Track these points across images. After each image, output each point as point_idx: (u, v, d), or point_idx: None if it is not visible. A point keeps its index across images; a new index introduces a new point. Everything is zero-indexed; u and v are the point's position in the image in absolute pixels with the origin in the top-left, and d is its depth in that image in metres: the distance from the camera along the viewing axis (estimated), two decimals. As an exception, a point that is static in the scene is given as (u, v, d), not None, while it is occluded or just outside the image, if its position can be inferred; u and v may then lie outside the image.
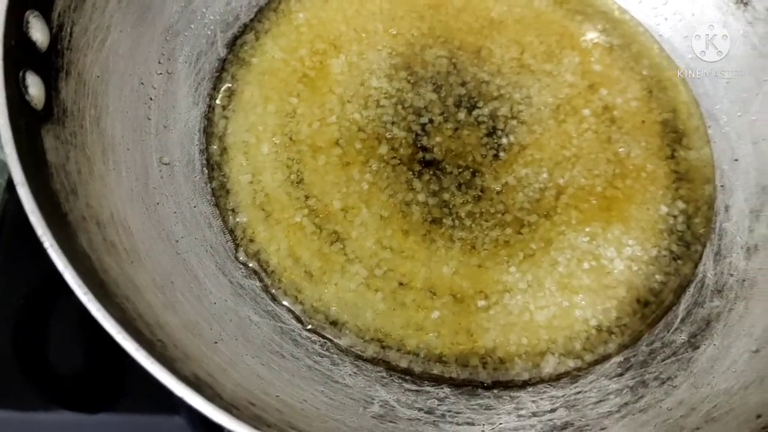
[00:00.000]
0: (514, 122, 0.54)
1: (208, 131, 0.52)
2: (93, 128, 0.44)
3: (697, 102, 0.57)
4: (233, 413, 0.33)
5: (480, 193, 0.51)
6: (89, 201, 0.41)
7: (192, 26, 0.53)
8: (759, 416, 0.38)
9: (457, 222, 0.50)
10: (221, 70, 0.54)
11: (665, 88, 0.57)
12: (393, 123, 0.53)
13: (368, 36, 0.56)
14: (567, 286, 0.49)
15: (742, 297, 0.48)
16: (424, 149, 0.53)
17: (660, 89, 0.57)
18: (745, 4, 0.55)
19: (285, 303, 0.48)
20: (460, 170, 0.52)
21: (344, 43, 0.56)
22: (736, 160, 0.54)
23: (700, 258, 0.51)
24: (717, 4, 0.56)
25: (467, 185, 0.52)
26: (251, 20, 0.56)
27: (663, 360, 0.47)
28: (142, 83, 0.49)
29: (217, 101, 0.53)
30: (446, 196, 0.51)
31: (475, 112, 0.54)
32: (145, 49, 0.50)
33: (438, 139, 0.53)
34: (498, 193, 0.52)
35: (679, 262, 0.51)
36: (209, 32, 0.54)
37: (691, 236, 0.52)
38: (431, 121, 0.53)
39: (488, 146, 0.53)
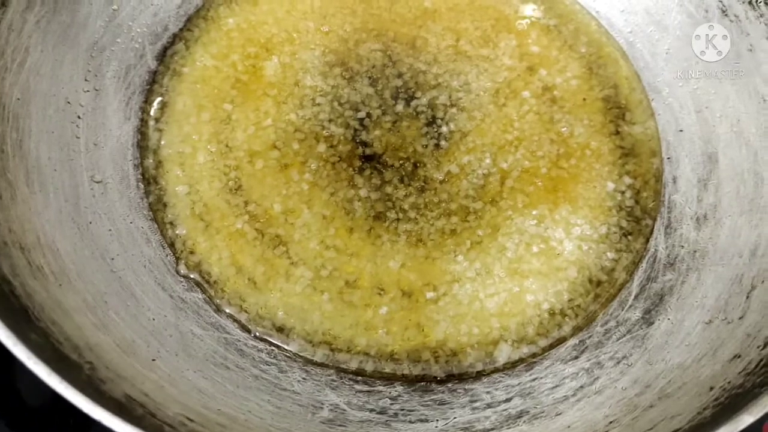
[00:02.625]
0: (454, 110, 0.53)
1: (141, 145, 0.51)
2: (15, 152, 0.43)
3: (639, 75, 0.56)
4: (167, 430, 0.32)
5: (423, 184, 0.51)
6: (11, 226, 0.40)
7: (119, 40, 0.52)
8: (711, 388, 0.38)
9: (401, 215, 0.50)
10: (152, 82, 0.53)
11: (605, 65, 0.56)
12: (330, 120, 0.52)
13: (300, 36, 0.55)
14: (517, 272, 0.48)
15: (694, 268, 0.47)
16: (364, 144, 0.52)
17: (600, 66, 0.56)
18: (678, -30, 0.55)
19: (229, 312, 0.47)
20: (401, 162, 0.51)
21: (276, 44, 0.55)
22: (681, 130, 0.53)
23: (651, 232, 0.50)
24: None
25: (410, 177, 0.51)
26: (180, 30, 0.55)
27: (618, 339, 0.46)
28: (69, 102, 0.48)
29: (150, 114, 0.52)
30: (389, 189, 0.50)
31: (413, 103, 0.53)
32: (70, 68, 0.49)
33: (377, 132, 0.52)
34: (441, 182, 0.51)
35: (630, 237, 0.50)
36: (137, 45, 0.53)
37: (640, 211, 0.51)
38: (369, 115, 0.53)
39: (429, 136, 0.52)
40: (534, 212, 0.50)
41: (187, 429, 0.35)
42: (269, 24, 0.56)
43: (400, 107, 0.53)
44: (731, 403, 0.34)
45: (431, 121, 0.53)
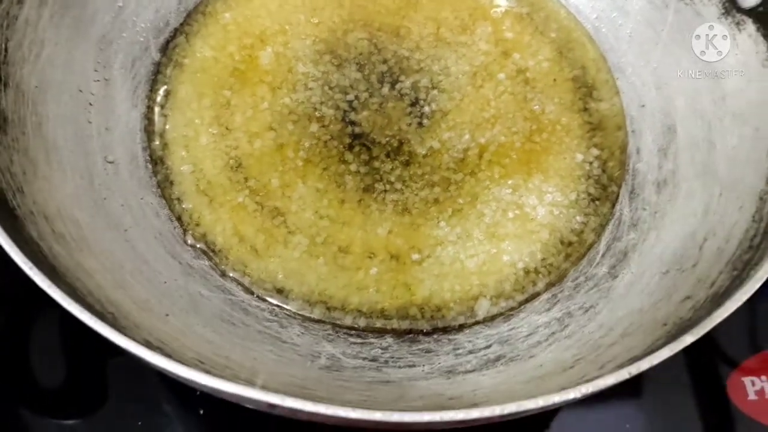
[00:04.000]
0: (435, 92, 0.58)
1: (148, 129, 0.56)
2: (35, 134, 0.47)
3: (604, 57, 0.61)
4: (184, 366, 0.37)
5: (408, 158, 0.55)
6: (35, 198, 0.44)
7: (124, 35, 0.57)
8: (665, 324, 0.42)
9: (388, 186, 0.54)
10: (156, 72, 0.58)
11: (573, 48, 0.61)
12: (321, 103, 0.57)
13: (292, 27, 0.60)
14: (494, 235, 0.53)
15: (654, 227, 0.52)
16: (353, 124, 0.56)
17: (569, 49, 0.61)
18: (637, -41, 0.60)
19: (233, 276, 0.51)
20: (387, 139, 0.56)
21: (270, 36, 0.59)
22: (643, 105, 0.58)
23: (617, 198, 0.55)
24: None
25: (395, 152, 0.55)
26: (181, 24, 0.60)
27: (586, 291, 0.51)
28: (81, 90, 0.53)
29: (156, 101, 0.57)
30: (377, 164, 0.55)
31: (397, 86, 0.58)
32: (81, 59, 0.53)
33: (365, 113, 0.57)
34: (425, 156, 0.55)
35: (597, 203, 0.55)
36: (142, 39, 0.58)
37: (607, 179, 0.56)
38: (357, 97, 0.57)
39: (412, 115, 0.57)
40: (509, 182, 0.55)
41: (201, 368, 0.39)
42: (263, 17, 0.60)
43: (385, 90, 0.58)
44: (680, 333, 0.39)
45: (414, 102, 0.57)
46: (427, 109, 0.57)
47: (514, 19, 0.62)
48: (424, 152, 0.55)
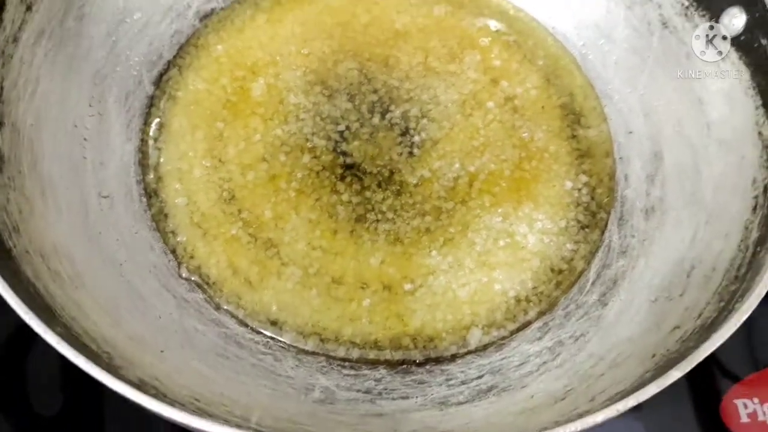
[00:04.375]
0: (425, 121, 0.59)
1: (143, 163, 0.56)
2: (31, 172, 0.48)
3: (592, 84, 0.62)
4: (177, 407, 0.37)
5: (399, 188, 0.56)
6: (31, 237, 0.45)
7: (118, 69, 0.58)
8: (653, 355, 0.43)
9: (380, 216, 0.55)
10: (150, 105, 0.58)
11: (561, 75, 0.62)
12: (313, 134, 0.58)
13: (283, 58, 0.61)
14: (485, 264, 0.54)
15: (642, 254, 0.53)
16: (344, 154, 0.57)
17: (556, 77, 0.62)
18: (622, -12, 0.61)
19: (227, 309, 0.52)
20: (378, 169, 0.56)
21: (261, 67, 0.60)
22: (631, 132, 0.59)
23: (606, 225, 0.56)
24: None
25: (387, 182, 0.56)
26: (174, 57, 0.60)
27: (577, 320, 0.51)
28: (76, 126, 0.53)
29: (149, 134, 0.57)
30: (368, 194, 0.56)
31: (388, 116, 0.59)
32: (76, 95, 0.54)
33: (356, 143, 0.57)
34: (416, 186, 0.56)
35: (587, 230, 0.56)
36: (135, 73, 0.59)
37: (596, 206, 0.57)
38: (348, 128, 0.58)
39: (403, 145, 0.58)
40: (500, 210, 0.55)
41: (195, 407, 0.40)
42: (254, 49, 0.61)
43: (376, 120, 0.58)
44: (668, 366, 0.39)
45: (405, 132, 0.58)
46: (417, 138, 0.58)
47: (502, 47, 0.63)
48: (415, 181, 0.56)
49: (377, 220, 0.55)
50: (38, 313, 0.38)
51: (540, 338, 0.51)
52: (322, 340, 0.51)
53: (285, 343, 0.51)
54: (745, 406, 0.59)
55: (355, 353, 0.51)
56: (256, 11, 0.63)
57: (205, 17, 0.62)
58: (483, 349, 0.51)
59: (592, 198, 0.57)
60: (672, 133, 0.57)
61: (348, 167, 0.57)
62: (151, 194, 0.55)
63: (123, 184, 0.55)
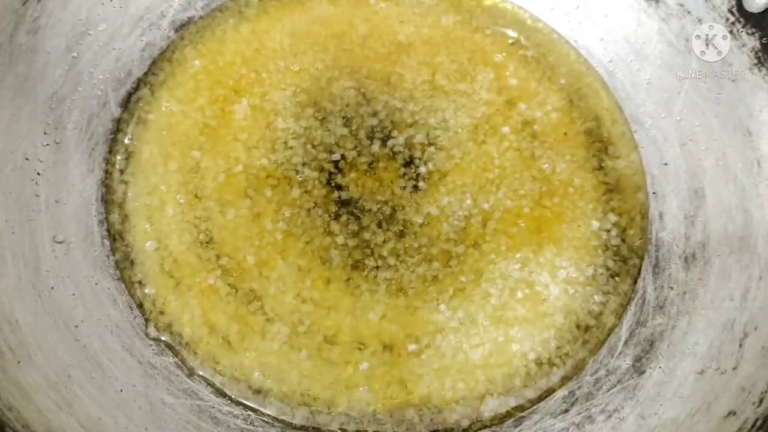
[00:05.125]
0: (432, 149, 0.51)
1: (106, 199, 0.49)
2: (-33, 217, 0.41)
3: (620, 107, 0.54)
4: None
5: (402, 228, 0.49)
6: (-35, 302, 0.38)
7: (80, 89, 0.50)
8: (706, 447, 0.36)
9: (380, 262, 0.48)
10: (116, 131, 0.51)
11: (585, 96, 0.54)
12: (304, 164, 0.50)
13: (270, 76, 0.53)
14: (501, 319, 0.47)
15: (684, 312, 0.46)
16: (339, 188, 0.50)
17: (580, 97, 0.54)
18: (657, 0, 0.53)
19: (202, 374, 0.44)
20: (379, 206, 0.49)
21: (245, 86, 0.53)
22: (666, 164, 0.52)
23: (639, 272, 0.49)
24: (629, 3, 0.54)
25: (388, 221, 0.49)
26: (145, 74, 0.53)
27: (609, 390, 0.44)
28: (27, 158, 0.46)
29: (115, 165, 0.50)
30: (367, 235, 0.48)
31: (389, 143, 0.51)
32: (28, 122, 0.47)
33: (353, 175, 0.50)
34: (421, 226, 0.49)
35: (617, 279, 0.49)
36: (99, 92, 0.51)
37: (627, 250, 0.50)
38: (344, 157, 0.51)
39: (407, 177, 0.50)
40: (518, 255, 0.48)
41: None
42: (237, 65, 0.53)
43: (375, 148, 0.51)
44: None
45: (409, 162, 0.51)
46: (423, 169, 0.51)
47: (519, 63, 0.55)
48: (420, 221, 0.49)
49: (377, 267, 0.48)
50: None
51: (566, 411, 0.44)
52: (312, 412, 0.44)
53: (269, 416, 0.44)
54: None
55: (350, 427, 0.44)
56: (239, 20, 0.55)
57: (182, 27, 0.55)
58: (499, 422, 0.44)
59: (623, 240, 0.50)
60: (715, 167, 0.49)
61: (343, 204, 0.49)
62: (115, 236, 0.48)
63: (82, 225, 0.47)
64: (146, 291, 0.47)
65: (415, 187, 0.50)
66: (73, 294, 0.44)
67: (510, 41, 0.56)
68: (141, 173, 0.50)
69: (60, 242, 0.46)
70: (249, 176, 0.50)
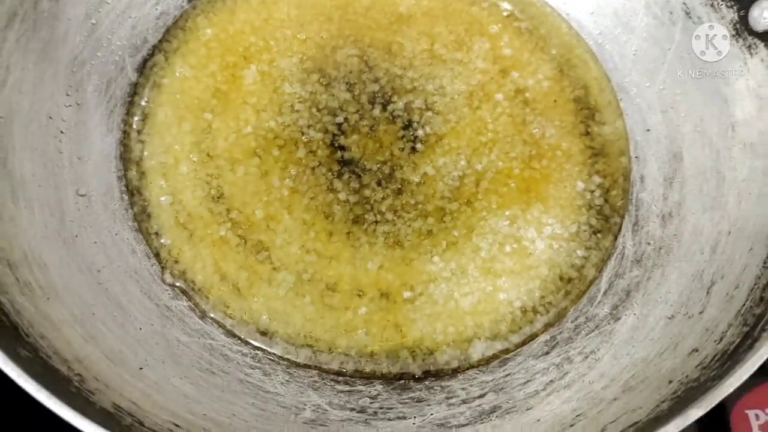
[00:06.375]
0: (429, 113, 0.55)
1: (124, 157, 0.52)
2: (0, 171, 0.44)
3: (608, 77, 0.57)
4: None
5: (400, 186, 0.52)
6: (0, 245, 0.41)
7: (98, 54, 0.53)
8: (670, 381, 0.40)
9: (379, 217, 0.51)
10: (133, 94, 0.54)
11: (575, 66, 0.58)
12: (309, 126, 0.54)
13: (277, 44, 0.56)
14: (490, 271, 0.50)
15: (659, 264, 0.49)
16: (342, 148, 0.53)
17: (570, 67, 0.58)
18: (644, -26, 0.56)
19: (214, 317, 0.48)
20: (378, 166, 0.53)
21: (254, 53, 0.56)
22: (648, 130, 0.55)
23: (619, 230, 0.52)
24: (618, -22, 0.57)
25: (387, 180, 0.52)
26: (159, 41, 0.56)
27: (587, 334, 0.48)
28: (51, 117, 0.50)
29: (132, 126, 0.53)
30: (367, 192, 0.52)
31: (389, 107, 0.55)
32: (51, 83, 0.50)
33: (355, 137, 0.54)
34: (418, 184, 0.52)
35: (599, 235, 0.52)
36: (117, 58, 0.54)
37: (609, 209, 0.53)
38: (347, 120, 0.54)
39: (405, 139, 0.54)
40: (507, 213, 0.52)
41: (174, 435, 0.37)
42: (247, 33, 0.57)
43: (376, 112, 0.54)
44: (687, 397, 0.36)
45: (407, 125, 0.54)
46: (420, 132, 0.54)
47: (513, 34, 0.59)
48: (417, 180, 0.53)
49: (376, 222, 0.51)
50: (3, 334, 0.34)
51: (547, 353, 0.48)
52: (314, 352, 0.48)
53: (275, 355, 0.48)
54: (757, 417, 0.56)
55: (349, 366, 0.48)
56: (249, -9, 0.58)
57: (194, -3, 0.58)
58: (486, 363, 0.48)
59: (606, 201, 0.53)
60: (693, 132, 0.53)
61: (346, 163, 0.53)
62: (133, 192, 0.52)
63: (103, 180, 0.51)
64: (162, 241, 0.50)
65: (413, 149, 0.54)
66: (95, 242, 0.48)
67: (505, 14, 0.59)
68: (156, 133, 0.53)
69: (82, 195, 0.49)
70: (258, 137, 0.53)
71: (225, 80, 0.55)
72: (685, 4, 0.53)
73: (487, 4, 0.59)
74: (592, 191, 0.53)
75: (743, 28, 0.51)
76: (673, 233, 0.50)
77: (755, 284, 0.42)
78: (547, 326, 0.49)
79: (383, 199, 0.52)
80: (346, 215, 0.51)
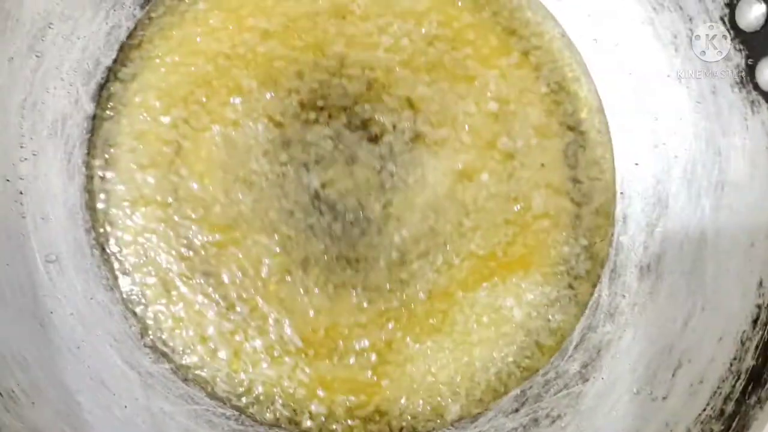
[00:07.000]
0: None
1: (89, 206, 0.50)
2: (-39, 266, 0.43)
3: (600, 100, 0.54)
4: None
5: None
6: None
7: (48, 90, 0.49)
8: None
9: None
10: (92, 129, 0.51)
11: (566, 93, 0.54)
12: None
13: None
14: (466, 342, 0.50)
15: (631, 324, 0.50)
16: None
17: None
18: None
19: (196, 375, 0.49)
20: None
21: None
22: (637, 164, 0.53)
23: (598, 278, 0.52)
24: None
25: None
26: (114, 62, 0.51)
27: (555, 393, 0.50)
28: (8, 180, 0.47)
29: (94, 169, 0.50)
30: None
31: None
32: (3, 138, 0.47)
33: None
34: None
35: (579, 290, 0.52)
36: (70, 89, 0.50)
37: (591, 265, 0.52)
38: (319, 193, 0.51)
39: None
40: (485, 284, 0.51)
41: None
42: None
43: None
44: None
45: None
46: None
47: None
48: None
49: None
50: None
51: (516, 410, 0.50)
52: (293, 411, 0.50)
53: (257, 417, 0.50)
54: None
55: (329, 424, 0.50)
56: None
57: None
58: (457, 420, 0.51)
59: (590, 257, 0.53)
60: (681, 178, 0.51)
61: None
62: (102, 245, 0.50)
63: (71, 237, 0.49)
64: (137, 299, 0.50)
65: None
66: (71, 314, 0.48)
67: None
68: (120, 179, 0.51)
69: (52, 261, 0.48)
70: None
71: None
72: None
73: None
74: (578, 254, 0.52)
75: (749, 80, 0.47)
76: (648, 290, 0.51)
77: (718, 388, 0.44)
78: (519, 381, 0.51)
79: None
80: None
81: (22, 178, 0.47)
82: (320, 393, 0.50)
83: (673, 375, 0.47)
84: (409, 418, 0.50)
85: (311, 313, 0.50)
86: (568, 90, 0.54)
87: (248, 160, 0.51)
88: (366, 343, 0.50)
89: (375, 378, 0.51)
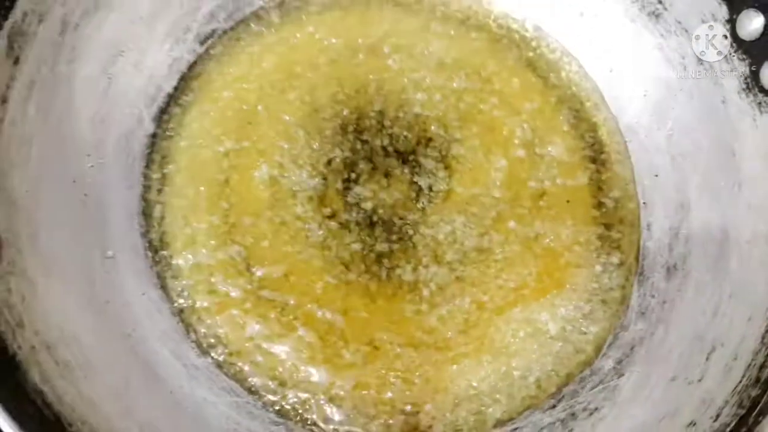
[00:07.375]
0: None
1: (146, 213, 0.54)
2: (31, 249, 0.46)
3: (616, 119, 0.58)
4: None
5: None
6: (36, 326, 0.44)
7: (116, 108, 0.54)
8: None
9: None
10: (151, 146, 0.56)
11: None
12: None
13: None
14: (504, 354, 0.52)
15: (662, 320, 0.51)
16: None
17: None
18: (657, 16, 0.56)
19: (238, 373, 0.51)
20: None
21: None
22: (656, 175, 0.56)
23: (631, 288, 0.54)
24: (624, 10, 0.57)
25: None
26: (175, 90, 0.57)
27: (592, 388, 0.51)
28: (75, 181, 0.51)
29: (152, 179, 0.55)
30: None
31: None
32: (73, 146, 0.51)
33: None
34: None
35: (610, 302, 0.54)
36: (135, 110, 0.55)
37: (624, 277, 0.54)
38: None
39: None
40: (519, 306, 0.53)
41: None
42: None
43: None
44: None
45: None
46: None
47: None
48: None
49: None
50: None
51: (553, 407, 0.51)
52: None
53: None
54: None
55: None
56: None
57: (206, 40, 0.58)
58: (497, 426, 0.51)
59: (620, 270, 0.55)
60: (700, 183, 0.54)
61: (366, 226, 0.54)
62: (156, 248, 0.53)
63: (127, 238, 0.53)
64: (185, 299, 0.52)
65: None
66: (124, 306, 0.50)
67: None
68: (174, 190, 0.55)
69: (110, 257, 0.51)
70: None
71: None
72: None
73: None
74: (610, 271, 0.54)
75: (754, 83, 0.51)
76: (676, 288, 0.52)
77: (752, 360, 0.44)
78: (558, 386, 0.52)
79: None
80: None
81: (87, 181, 0.52)
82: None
83: (707, 359, 0.47)
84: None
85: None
86: (588, 119, 0.59)
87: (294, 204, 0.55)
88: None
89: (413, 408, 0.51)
